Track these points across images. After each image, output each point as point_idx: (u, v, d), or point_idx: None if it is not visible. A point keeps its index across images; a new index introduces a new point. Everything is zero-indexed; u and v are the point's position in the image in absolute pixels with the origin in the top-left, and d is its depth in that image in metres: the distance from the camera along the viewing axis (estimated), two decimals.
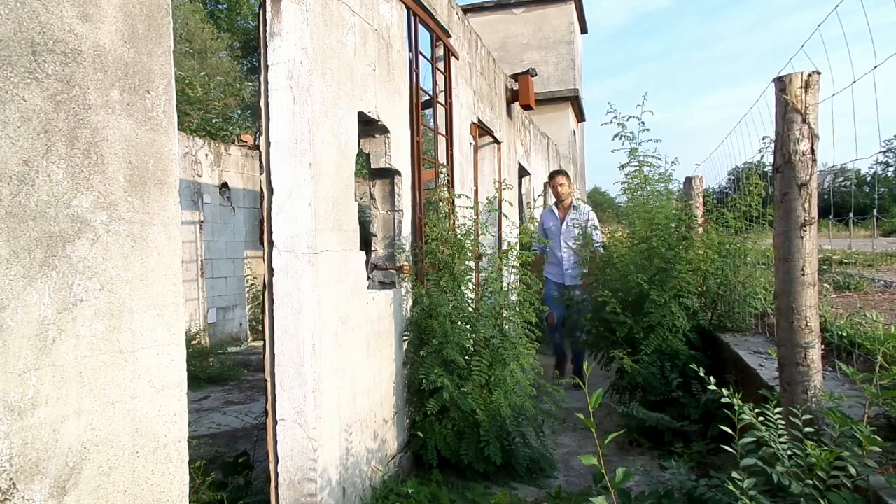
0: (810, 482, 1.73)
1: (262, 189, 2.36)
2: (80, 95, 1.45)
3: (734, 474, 1.72)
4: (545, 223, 5.75)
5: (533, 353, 3.54)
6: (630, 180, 4.49)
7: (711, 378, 2.01)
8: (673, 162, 4.51)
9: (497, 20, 16.55)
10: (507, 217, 6.22)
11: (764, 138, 3.37)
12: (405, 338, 3.42)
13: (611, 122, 4.32)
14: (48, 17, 1.37)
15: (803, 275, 2.06)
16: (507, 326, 3.60)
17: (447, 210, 3.78)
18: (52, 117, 1.38)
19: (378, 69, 3.14)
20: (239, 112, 18.29)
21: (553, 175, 5.66)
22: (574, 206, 5.54)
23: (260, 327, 4.43)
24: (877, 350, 2.21)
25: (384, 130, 3.27)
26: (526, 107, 7.77)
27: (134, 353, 1.59)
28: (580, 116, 19.21)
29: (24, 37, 1.32)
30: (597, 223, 5.31)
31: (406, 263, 3.43)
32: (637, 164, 4.40)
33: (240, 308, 8.73)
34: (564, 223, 5.54)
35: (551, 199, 6.33)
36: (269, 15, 2.32)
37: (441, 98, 4.47)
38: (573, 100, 16.69)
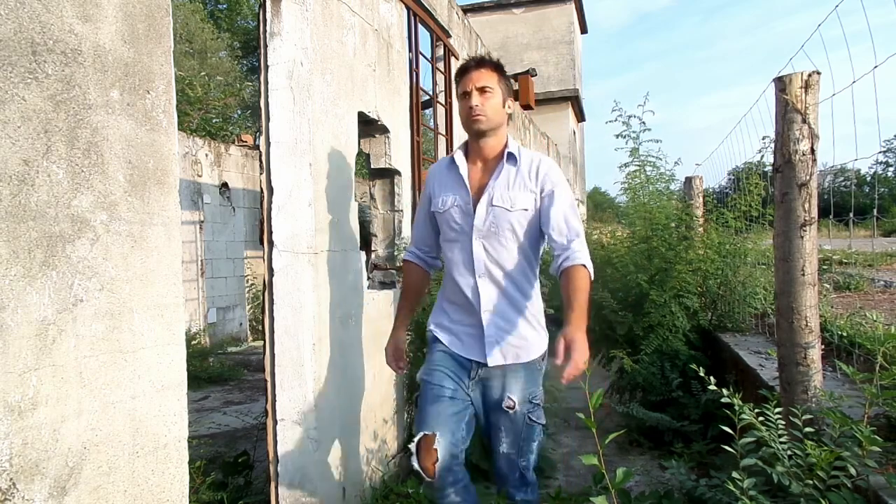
0: (810, 482, 1.73)
1: (262, 189, 2.36)
2: (80, 95, 1.45)
3: (734, 474, 1.72)
4: (435, 194, 2.07)
5: None
6: (631, 180, 4.49)
7: (711, 378, 2.01)
8: (676, 162, 4.51)
9: (497, 20, 16.57)
10: None
11: (764, 138, 3.37)
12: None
13: (615, 120, 4.31)
14: (48, 17, 1.37)
15: (803, 275, 2.06)
16: None
17: None
18: (52, 117, 1.38)
19: (378, 69, 3.14)
20: (239, 112, 18.29)
21: (468, 68, 1.97)
22: (512, 155, 1.98)
23: (260, 327, 4.44)
24: (877, 350, 2.21)
25: (384, 130, 3.27)
26: (526, 107, 7.78)
27: (134, 353, 1.59)
28: (580, 116, 19.23)
29: (24, 37, 1.32)
30: (567, 193, 1.94)
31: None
32: (639, 164, 4.40)
33: (240, 308, 8.73)
34: (488, 195, 1.94)
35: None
36: (269, 15, 2.32)
37: (441, 98, 4.47)
38: (573, 100, 16.71)
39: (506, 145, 1.97)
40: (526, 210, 1.89)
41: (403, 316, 2.21)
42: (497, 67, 1.97)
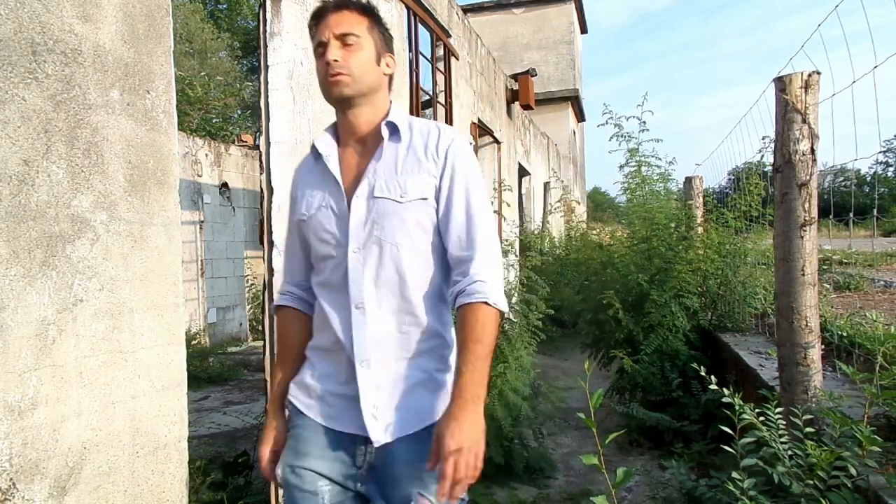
0: (811, 482, 1.73)
1: (262, 189, 2.36)
2: (80, 95, 1.45)
3: (734, 474, 1.72)
4: (299, 196, 1.41)
5: (532, 354, 3.54)
6: (629, 180, 4.50)
7: (713, 377, 2.01)
8: (670, 162, 4.52)
9: (497, 20, 16.57)
10: (505, 219, 6.23)
11: (764, 138, 3.37)
12: None
13: (606, 122, 4.32)
14: (48, 17, 1.37)
15: (803, 275, 2.06)
16: (506, 326, 3.61)
17: None
18: (52, 117, 1.38)
19: None
20: (239, 112, 18.29)
21: (324, 11, 1.32)
22: (394, 126, 1.33)
23: (260, 327, 4.42)
24: (877, 350, 2.21)
25: None
26: (526, 107, 7.78)
27: (134, 353, 1.59)
28: (580, 116, 19.24)
29: (24, 37, 1.31)
30: (476, 185, 1.31)
31: None
32: (636, 164, 4.41)
33: (240, 308, 8.73)
34: (367, 184, 1.29)
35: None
36: (269, 15, 2.32)
37: (441, 98, 4.47)
38: (573, 100, 16.72)
39: (387, 115, 1.35)
40: (425, 200, 1.27)
41: (281, 392, 1.39)
42: (366, 11, 1.35)
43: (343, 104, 1.33)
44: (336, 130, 1.40)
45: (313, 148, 1.39)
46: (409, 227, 1.26)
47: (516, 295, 3.73)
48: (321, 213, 1.33)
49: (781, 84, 2.08)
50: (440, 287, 1.31)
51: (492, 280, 1.23)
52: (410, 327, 1.27)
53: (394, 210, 1.26)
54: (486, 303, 1.20)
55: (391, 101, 1.40)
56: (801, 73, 2.04)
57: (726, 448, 1.84)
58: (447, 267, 1.31)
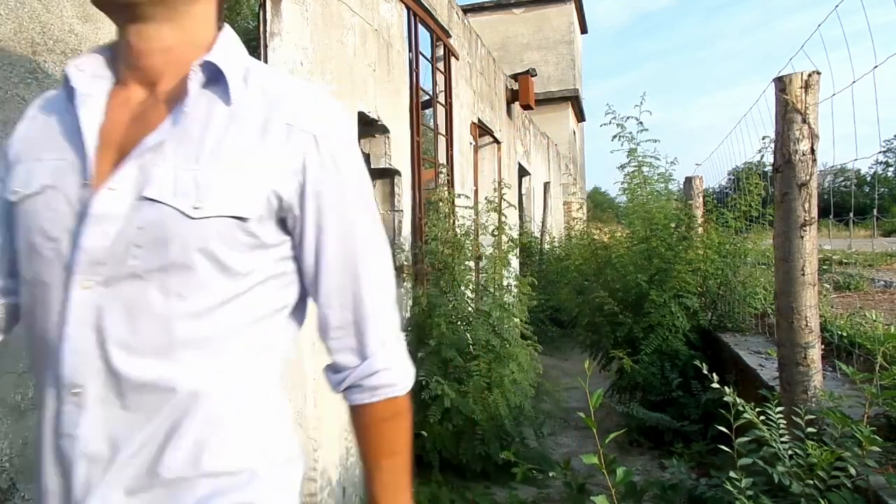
0: (811, 482, 1.73)
1: None
2: None
3: (732, 474, 1.72)
4: (19, 158, 0.78)
5: (533, 353, 3.54)
6: (629, 181, 4.50)
7: (714, 375, 2.02)
8: (672, 162, 4.52)
9: (497, 20, 16.57)
10: (506, 217, 6.21)
11: (764, 138, 3.37)
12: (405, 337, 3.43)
13: (609, 122, 4.33)
14: (48, 17, 1.37)
15: (803, 275, 2.06)
16: (505, 326, 3.61)
17: (447, 210, 3.78)
18: None
19: (378, 69, 3.14)
20: None
21: None
22: (215, 69, 0.72)
23: None
24: (877, 350, 2.21)
25: (384, 130, 3.27)
26: (526, 107, 7.78)
27: None
28: (580, 116, 19.24)
29: (24, 37, 1.32)
30: (365, 208, 0.77)
31: (405, 263, 3.44)
32: (636, 164, 4.41)
33: None
34: (137, 169, 0.67)
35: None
36: (269, 15, 2.32)
37: (441, 98, 4.48)
38: (573, 100, 16.72)
39: (209, 47, 0.76)
40: (244, 221, 0.69)
41: None
42: None
43: (121, 13, 0.77)
44: (113, 58, 0.82)
45: (66, 78, 0.79)
46: (200, 263, 0.68)
47: (509, 296, 3.73)
48: (45, 198, 0.72)
49: (781, 84, 2.08)
50: (249, 369, 0.75)
51: (395, 357, 0.81)
52: (170, 440, 0.68)
53: (176, 228, 0.67)
54: (395, 397, 0.81)
55: (221, 26, 0.80)
56: (801, 73, 2.04)
57: (726, 448, 1.85)
58: (270, 335, 0.78)
